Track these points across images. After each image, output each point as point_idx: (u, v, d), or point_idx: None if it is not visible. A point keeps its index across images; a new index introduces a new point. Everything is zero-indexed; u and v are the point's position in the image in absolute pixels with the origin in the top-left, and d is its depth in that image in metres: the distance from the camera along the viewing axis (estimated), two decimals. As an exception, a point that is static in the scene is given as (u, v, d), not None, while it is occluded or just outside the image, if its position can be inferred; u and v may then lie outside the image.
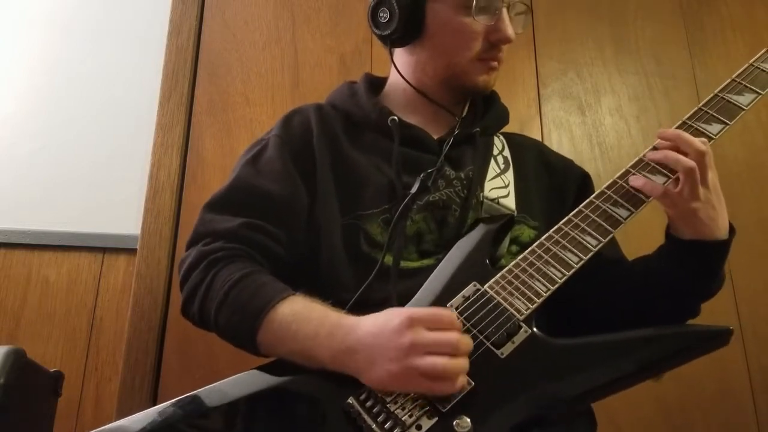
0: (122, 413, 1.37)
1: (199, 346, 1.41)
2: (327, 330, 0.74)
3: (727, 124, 0.84)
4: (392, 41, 0.98)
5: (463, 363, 0.68)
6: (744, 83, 0.87)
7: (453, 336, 0.68)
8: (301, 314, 0.76)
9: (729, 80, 0.88)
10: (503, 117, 1.08)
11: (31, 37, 1.69)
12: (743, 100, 0.85)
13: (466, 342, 0.70)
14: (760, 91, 0.86)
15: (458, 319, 0.72)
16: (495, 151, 1.03)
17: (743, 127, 1.75)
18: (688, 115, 0.87)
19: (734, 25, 1.83)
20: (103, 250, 1.52)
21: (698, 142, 0.78)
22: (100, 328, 1.46)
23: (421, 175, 0.90)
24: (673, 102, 1.76)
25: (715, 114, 0.85)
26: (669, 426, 1.48)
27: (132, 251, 1.51)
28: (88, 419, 1.39)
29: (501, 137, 1.07)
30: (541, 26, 1.80)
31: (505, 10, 0.93)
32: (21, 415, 0.94)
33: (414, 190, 0.88)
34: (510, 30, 0.93)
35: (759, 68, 0.88)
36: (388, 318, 0.71)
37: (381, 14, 0.96)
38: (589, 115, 1.74)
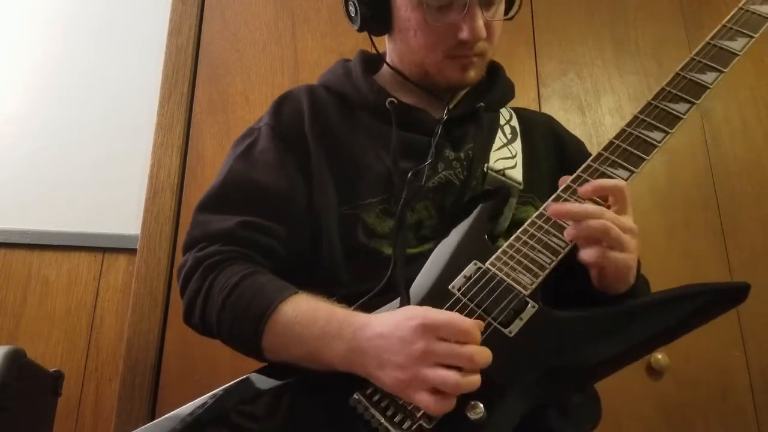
0: (122, 413, 1.38)
1: (199, 347, 1.41)
2: (335, 329, 0.70)
3: (722, 71, 0.79)
4: (368, 31, 0.95)
5: (475, 380, 0.63)
6: (736, 28, 0.82)
7: (468, 349, 0.63)
8: (306, 314, 0.73)
9: (719, 26, 0.84)
10: (508, 91, 1.03)
11: (31, 38, 1.69)
12: (736, 45, 0.81)
13: (484, 355, 0.64)
14: (752, 34, 0.81)
15: (479, 325, 0.66)
16: (502, 121, 0.98)
17: (744, 127, 1.75)
18: (680, 66, 0.82)
19: (734, 25, 1.83)
20: (103, 250, 1.52)
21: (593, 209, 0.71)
22: (100, 328, 1.46)
23: (409, 174, 0.85)
24: (673, 102, 1.76)
25: (708, 62, 0.81)
26: (669, 426, 1.48)
27: (132, 251, 1.51)
28: (88, 419, 1.39)
29: (508, 109, 1.02)
30: (541, 26, 1.80)
31: (476, 4, 0.84)
32: (21, 415, 0.94)
33: (404, 195, 0.84)
34: (478, 28, 0.84)
35: (750, 11, 0.83)
36: (401, 320, 0.67)
37: (350, 7, 0.93)
38: (589, 115, 1.74)
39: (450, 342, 0.64)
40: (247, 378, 0.72)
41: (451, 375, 0.62)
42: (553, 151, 1.00)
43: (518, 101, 1.72)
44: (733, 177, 1.69)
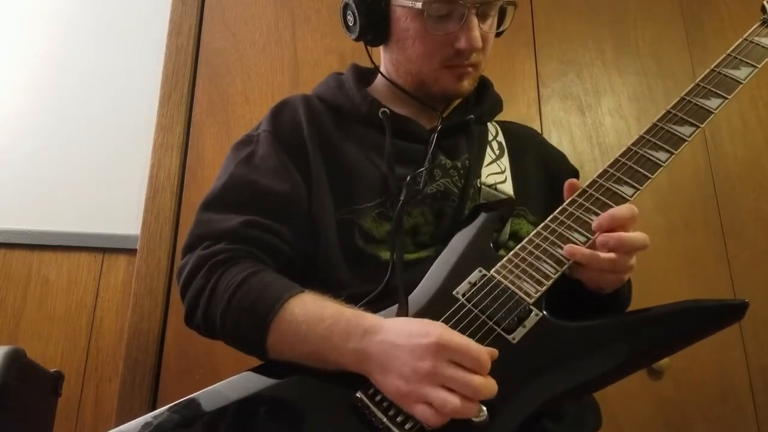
0: (122, 413, 1.38)
1: (199, 346, 1.41)
2: (342, 329, 0.70)
3: (726, 98, 0.84)
4: (365, 41, 0.97)
5: (473, 408, 0.63)
6: (740, 58, 0.87)
7: (476, 381, 0.63)
8: (313, 313, 0.72)
9: (724, 55, 0.89)
10: (497, 104, 1.05)
11: (31, 38, 1.69)
12: (740, 74, 0.86)
13: (490, 388, 0.64)
14: (756, 65, 0.86)
15: (489, 359, 0.66)
16: (489, 137, 1.00)
17: (744, 127, 1.75)
18: (686, 91, 0.87)
19: (734, 25, 1.83)
20: (103, 250, 1.52)
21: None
22: (100, 328, 1.46)
23: (408, 179, 0.86)
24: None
25: (713, 89, 0.86)
26: (669, 427, 1.48)
27: (132, 251, 1.51)
28: (88, 419, 1.40)
29: (494, 124, 1.04)
30: (541, 27, 1.80)
31: (473, 15, 0.87)
32: (21, 415, 0.94)
33: (402, 196, 0.85)
34: (474, 38, 0.87)
35: (753, 42, 0.89)
36: (415, 333, 0.66)
37: (348, 17, 0.95)
38: (589, 115, 1.74)
39: (459, 367, 0.64)
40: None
41: (450, 399, 0.62)
42: (540, 165, 1.03)
43: (518, 101, 1.74)
44: (733, 177, 1.69)
